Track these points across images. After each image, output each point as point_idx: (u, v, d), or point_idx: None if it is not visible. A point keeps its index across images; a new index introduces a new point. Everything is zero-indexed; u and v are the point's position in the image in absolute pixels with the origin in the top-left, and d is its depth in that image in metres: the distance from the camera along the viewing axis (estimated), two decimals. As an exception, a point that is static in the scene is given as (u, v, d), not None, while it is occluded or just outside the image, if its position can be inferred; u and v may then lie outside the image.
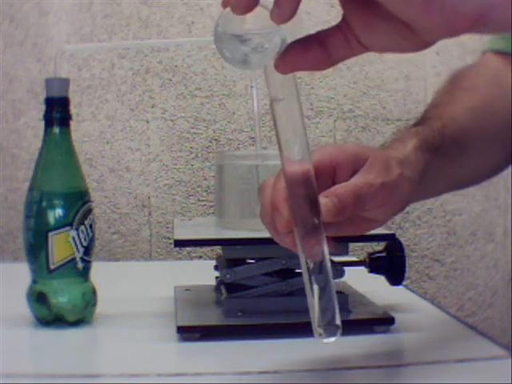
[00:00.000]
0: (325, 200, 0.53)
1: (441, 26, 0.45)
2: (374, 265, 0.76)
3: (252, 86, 0.77)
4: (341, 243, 0.66)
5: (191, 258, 1.25)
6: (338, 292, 0.71)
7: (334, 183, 0.56)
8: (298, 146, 0.51)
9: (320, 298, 0.52)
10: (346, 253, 0.70)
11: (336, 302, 0.52)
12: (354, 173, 0.57)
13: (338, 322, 0.52)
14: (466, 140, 0.70)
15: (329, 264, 0.52)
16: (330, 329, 0.52)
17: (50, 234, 0.70)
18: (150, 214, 1.26)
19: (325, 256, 0.52)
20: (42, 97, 0.72)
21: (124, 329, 0.72)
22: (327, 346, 0.64)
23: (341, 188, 0.55)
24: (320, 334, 0.52)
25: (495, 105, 0.75)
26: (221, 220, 0.76)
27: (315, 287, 0.52)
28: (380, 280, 0.76)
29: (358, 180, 0.56)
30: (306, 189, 0.52)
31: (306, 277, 0.52)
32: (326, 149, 0.59)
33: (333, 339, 0.52)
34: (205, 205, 1.26)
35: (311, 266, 0.52)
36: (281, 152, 0.51)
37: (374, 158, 0.57)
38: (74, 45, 1.22)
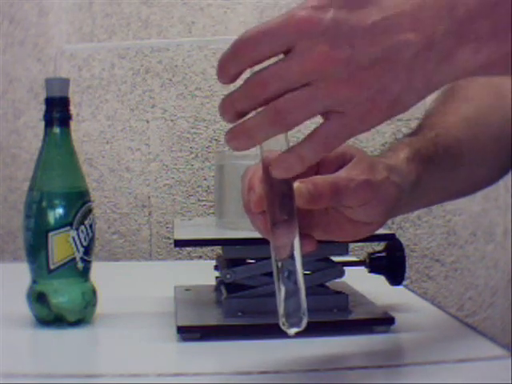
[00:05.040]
0: (299, 185, 0.53)
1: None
2: (374, 265, 0.76)
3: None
4: (341, 243, 0.66)
5: (191, 258, 1.25)
6: (337, 292, 0.72)
7: None
8: (278, 136, 0.51)
9: (286, 292, 0.52)
10: (346, 253, 0.70)
11: (303, 295, 0.52)
12: (337, 170, 0.56)
13: (304, 313, 0.52)
14: (460, 150, 0.69)
15: (299, 263, 0.52)
16: (293, 320, 0.52)
17: (50, 234, 0.70)
18: (150, 214, 1.26)
19: (294, 254, 0.52)
20: (42, 97, 0.72)
21: (124, 329, 0.72)
22: (328, 345, 0.65)
23: (319, 178, 0.55)
24: (283, 324, 0.52)
25: (491, 114, 0.74)
26: (221, 220, 0.76)
27: (282, 279, 0.52)
28: (380, 280, 0.76)
29: (339, 173, 0.56)
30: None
31: (274, 269, 0.52)
32: None
33: (296, 330, 0.52)
34: (205, 205, 1.26)
35: (279, 264, 0.52)
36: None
37: (360, 158, 0.57)
38: (74, 45, 1.22)
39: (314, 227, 0.56)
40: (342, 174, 0.56)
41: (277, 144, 0.51)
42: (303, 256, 0.53)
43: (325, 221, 0.57)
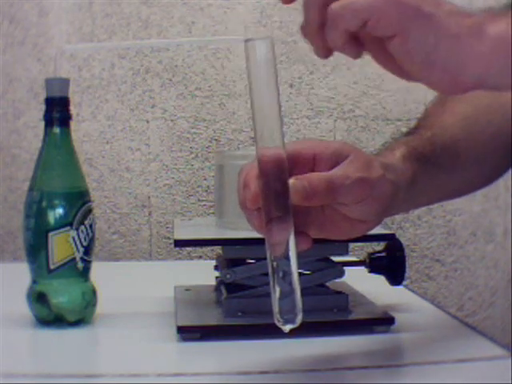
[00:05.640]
0: (295, 182, 0.53)
1: (443, 81, 0.52)
2: (374, 265, 0.76)
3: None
4: (341, 243, 0.66)
5: (191, 258, 1.25)
6: (337, 292, 0.72)
7: None
8: (273, 133, 0.51)
9: (281, 292, 0.52)
10: (346, 253, 0.70)
11: (298, 294, 0.52)
12: (333, 167, 0.57)
13: (299, 311, 0.52)
14: (457, 149, 0.70)
15: (294, 264, 0.52)
16: (287, 317, 0.52)
17: (50, 234, 0.70)
18: (150, 214, 1.26)
19: (289, 255, 0.52)
20: (42, 97, 0.71)
21: (124, 329, 0.72)
22: (328, 345, 0.65)
23: (315, 175, 0.55)
24: (278, 321, 0.52)
25: (489, 113, 0.74)
26: (221, 220, 0.76)
27: (277, 279, 0.52)
28: (380, 280, 0.76)
29: (334, 171, 0.56)
30: (277, 173, 0.52)
31: (270, 269, 0.52)
32: (309, 141, 0.59)
33: (291, 326, 0.52)
34: (205, 205, 1.26)
35: (275, 262, 0.52)
36: (256, 138, 0.52)
37: (356, 156, 0.57)
38: (74, 45, 1.22)
39: (309, 225, 0.56)
40: (338, 171, 0.56)
41: (272, 141, 0.52)
42: (299, 254, 0.53)
43: (320, 219, 0.57)
